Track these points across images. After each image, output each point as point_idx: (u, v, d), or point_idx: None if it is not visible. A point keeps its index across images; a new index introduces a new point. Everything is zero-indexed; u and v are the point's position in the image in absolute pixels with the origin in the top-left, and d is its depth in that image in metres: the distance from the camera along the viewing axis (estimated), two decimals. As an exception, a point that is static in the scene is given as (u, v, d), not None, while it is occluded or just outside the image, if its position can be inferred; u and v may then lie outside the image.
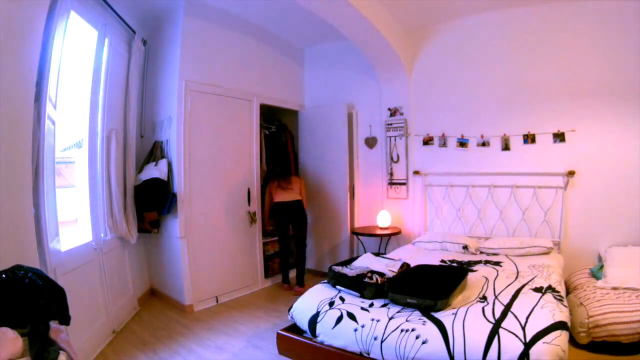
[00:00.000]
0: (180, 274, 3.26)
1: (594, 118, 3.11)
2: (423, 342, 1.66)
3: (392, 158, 4.03)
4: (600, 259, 3.01)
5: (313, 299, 2.17)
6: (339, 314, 1.98)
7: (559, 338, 1.54)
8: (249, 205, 3.85)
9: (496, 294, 2.04)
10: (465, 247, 3.21)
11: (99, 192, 2.78)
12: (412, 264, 2.49)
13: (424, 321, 1.76)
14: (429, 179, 3.85)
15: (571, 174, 3.17)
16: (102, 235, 2.76)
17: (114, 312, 2.80)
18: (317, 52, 4.59)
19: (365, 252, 3.19)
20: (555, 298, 1.95)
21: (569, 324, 1.76)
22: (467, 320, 1.72)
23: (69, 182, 2.90)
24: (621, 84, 2.98)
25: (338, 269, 2.33)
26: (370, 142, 4.20)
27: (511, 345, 1.52)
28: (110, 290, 2.79)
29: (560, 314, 1.74)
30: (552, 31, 3.24)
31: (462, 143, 3.67)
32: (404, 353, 1.68)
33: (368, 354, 1.81)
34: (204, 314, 3.23)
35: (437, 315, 1.80)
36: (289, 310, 2.26)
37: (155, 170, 3.17)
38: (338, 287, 2.24)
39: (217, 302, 3.50)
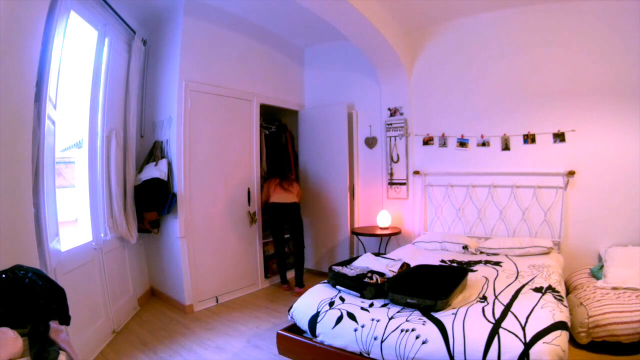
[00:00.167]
0: (180, 274, 3.26)
1: (594, 118, 3.11)
2: (423, 342, 1.66)
3: (392, 158, 4.03)
4: (600, 259, 3.01)
5: (313, 299, 2.17)
6: (339, 314, 1.98)
7: (559, 338, 1.54)
8: (249, 205, 3.85)
9: (496, 294, 2.04)
10: (465, 247, 3.21)
11: (99, 192, 2.78)
12: (412, 264, 2.49)
13: (424, 321, 1.76)
14: (429, 179, 3.85)
15: (571, 174, 3.17)
16: (102, 235, 2.76)
17: (114, 312, 2.81)
18: (317, 52, 4.59)
19: (365, 252, 3.20)
20: (556, 298, 1.95)
21: (569, 324, 1.76)
22: (467, 320, 1.72)
23: (69, 182, 2.90)
24: (621, 84, 2.98)
25: (338, 269, 2.33)
26: (370, 142, 4.20)
27: (511, 345, 1.52)
28: (110, 290, 2.79)
29: (560, 314, 1.74)
30: (552, 31, 3.24)
31: (462, 143, 3.67)
32: (404, 353, 1.68)
33: (368, 354, 1.80)
34: (204, 314, 3.23)
35: (437, 315, 1.80)
36: (289, 310, 2.25)
37: (155, 170, 3.17)
38: (338, 287, 2.24)
39: (217, 302, 3.50)
